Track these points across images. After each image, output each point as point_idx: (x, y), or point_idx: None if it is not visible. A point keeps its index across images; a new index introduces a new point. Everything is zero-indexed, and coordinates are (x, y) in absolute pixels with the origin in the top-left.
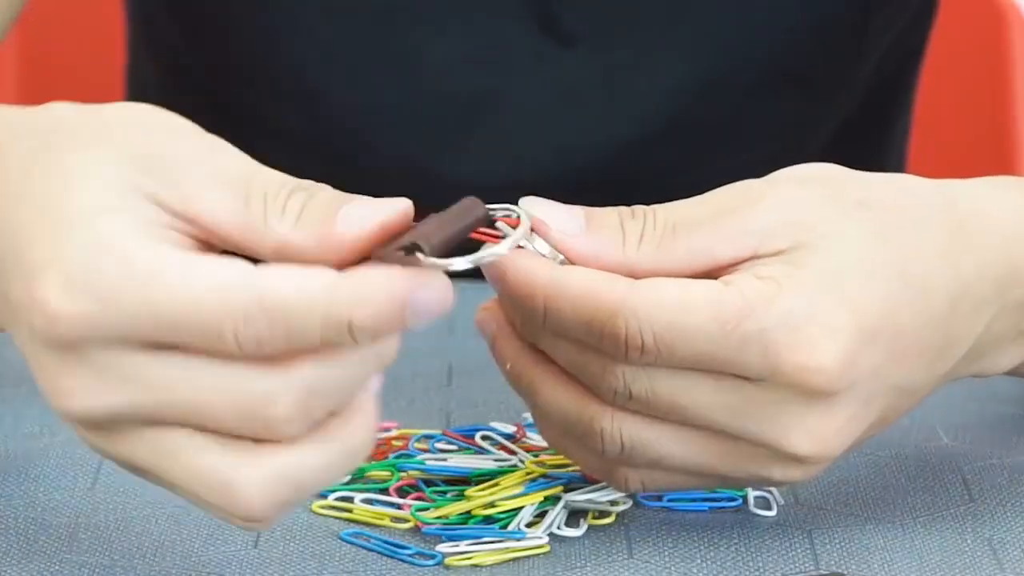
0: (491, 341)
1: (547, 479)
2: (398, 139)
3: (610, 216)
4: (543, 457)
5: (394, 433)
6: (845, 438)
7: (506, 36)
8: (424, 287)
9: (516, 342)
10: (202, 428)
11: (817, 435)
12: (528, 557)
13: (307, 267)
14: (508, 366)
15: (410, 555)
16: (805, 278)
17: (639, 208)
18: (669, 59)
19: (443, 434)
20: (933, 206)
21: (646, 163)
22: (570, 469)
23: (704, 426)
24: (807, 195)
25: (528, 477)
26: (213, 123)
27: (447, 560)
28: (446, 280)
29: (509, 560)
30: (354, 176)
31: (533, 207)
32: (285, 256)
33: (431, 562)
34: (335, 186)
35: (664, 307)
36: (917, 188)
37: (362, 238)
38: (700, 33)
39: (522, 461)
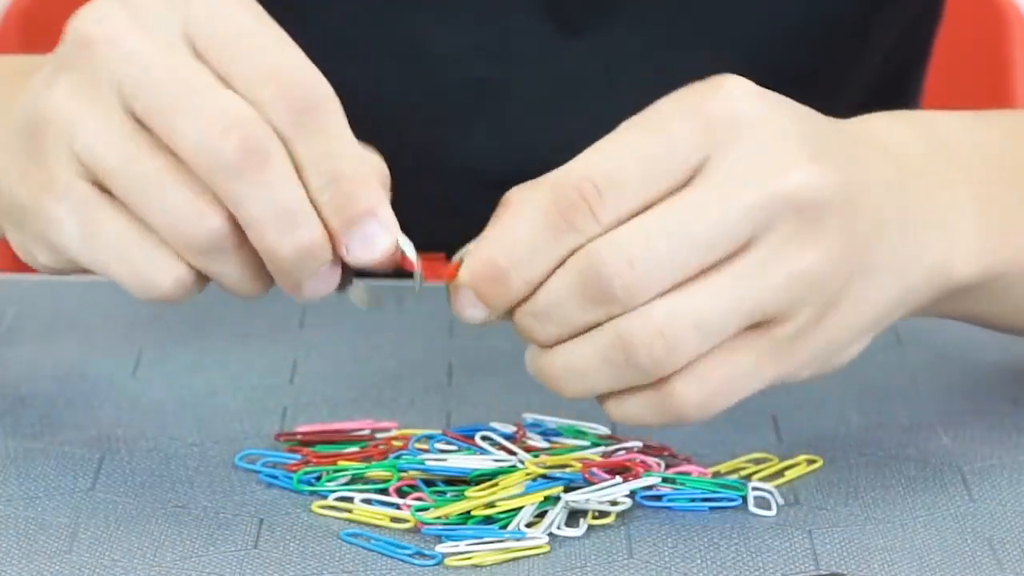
0: (533, 371)
1: (547, 479)
2: (403, 127)
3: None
4: (543, 457)
5: (394, 433)
6: (828, 169)
7: (512, 25)
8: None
9: (541, 351)
10: None
11: (795, 165)
12: (528, 557)
13: None
14: (545, 371)
15: (410, 555)
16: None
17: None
18: (674, 51)
19: (443, 434)
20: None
21: None
22: (570, 469)
23: (712, 250)
24: None
25: (528, 477)
26: None
27: (447, 560)
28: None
29: (509, 560)
30: None
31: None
32: None
33: (431, 562)
34: None
35: (590, 152)
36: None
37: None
38: (705, 26)
39: (522, 461)
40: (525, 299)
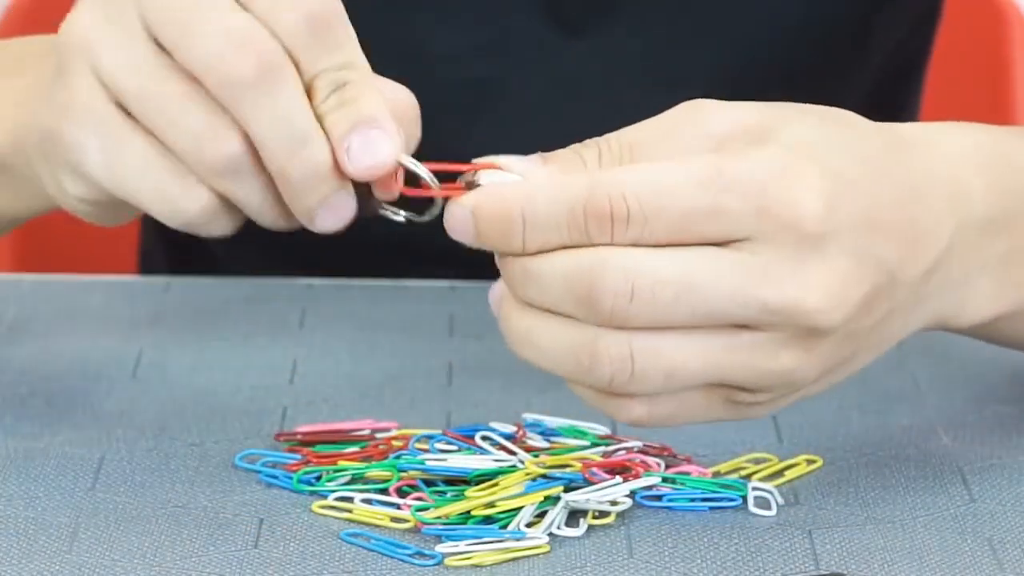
0: (496, 307)
1: (547, 479)
2: None
3: (564, 151)
4: (543, 457)
5: (394, 433)
6: (851, 294)
7: (512, 25)
8: (381, 133)
9: (514, 300)
10: None
11: (823, 286)
12: (528, 557)
13: None
14: (507, 320)
15: (410, 555)
16: (769, 144)
17: (592, 139)
18: (674, 51)
19: (443, 434)
20: (870, 124)
21: None
22: (570, 469)
23: (710, 317)
24: (755, 105)
25: (528, 477)
26: None
27: (447, 560)
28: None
29: (509, 560)
30: None
31: (490, 160)
32: None
33: (431, 562)
34: None
35: (642, 172)
36: (859, 117)
37: None
38: (706, 27)
39: (522, 461)
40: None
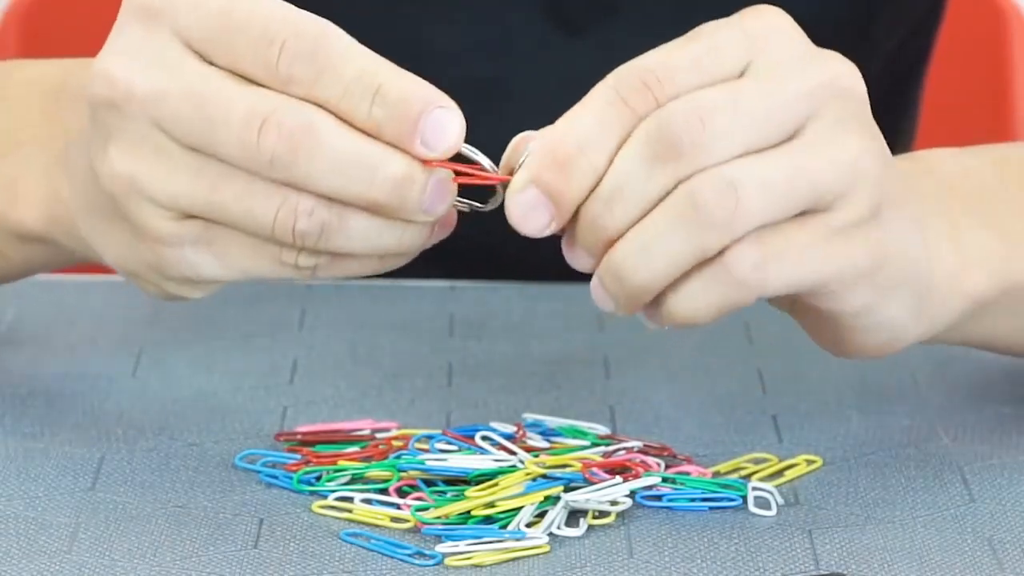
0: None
1: (547, 479)
2: None
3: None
4: (543, 457)
5: (394, 433)
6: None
7: (513, 24)
8: (444, 111)
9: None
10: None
11: (834, 56)
12: (528, 557)
13: None
14: (618, 268)
15: (410, 555)
16: None
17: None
18: None
19: (443, 434)
20: None
21: None
22: (570, 469)
23: (768, 126)
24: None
25: (528, 477)
26: None
27: (447, 560)
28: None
29: (509, 560)
30: None
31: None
32: None
33: (431, 562)
34: None
35: (655, 50)
36: None
37: None
38: None
39: (522, 461)
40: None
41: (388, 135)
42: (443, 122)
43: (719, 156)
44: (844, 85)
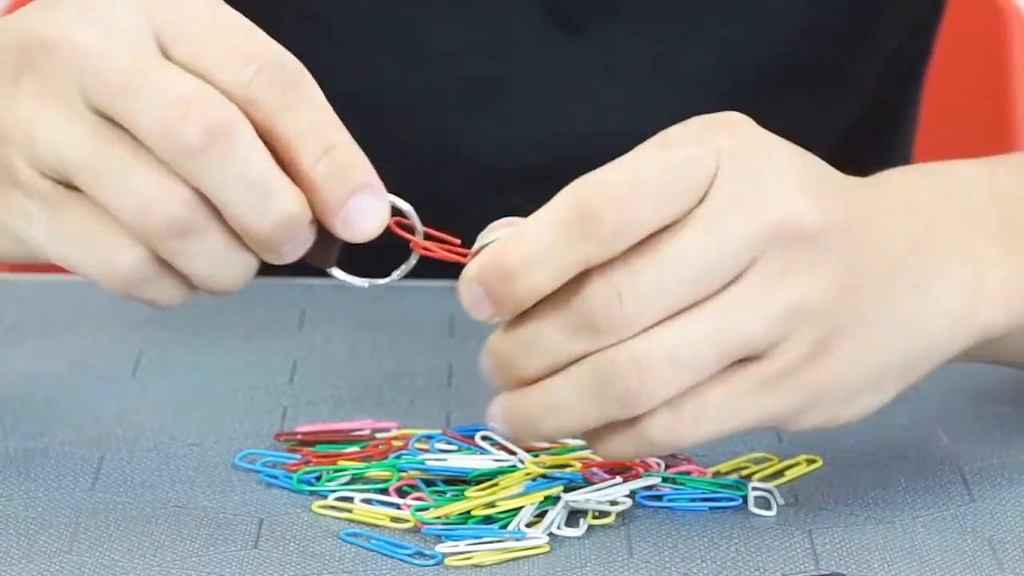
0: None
1: (547, 479)
2: (403, 125)
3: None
4: (543, 457)
5: (394, 433)
6: (825, 186)
7: (513, 23)
8: (377, 199)
9: (520, 397)
10: None
11: (786, 189)
12: (528, 557)
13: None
14: (519, 412)
15: (410, 555)
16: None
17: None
18: (675, 51)
19: (443, 434)
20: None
21: None
22: (570, 469)
23: (694, 284)
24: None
25: (528, 477)
26: None
27: (447, 560)
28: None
29: (509, 560)
30: None
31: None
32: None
33: (431, 562)
34: None
35: (612, 166)
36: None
37: None
38: (707, 26)
39: (522, 461)
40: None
41: (319, 193)
42: (370, 209)
43: (637, 327)
44: (796, 228)
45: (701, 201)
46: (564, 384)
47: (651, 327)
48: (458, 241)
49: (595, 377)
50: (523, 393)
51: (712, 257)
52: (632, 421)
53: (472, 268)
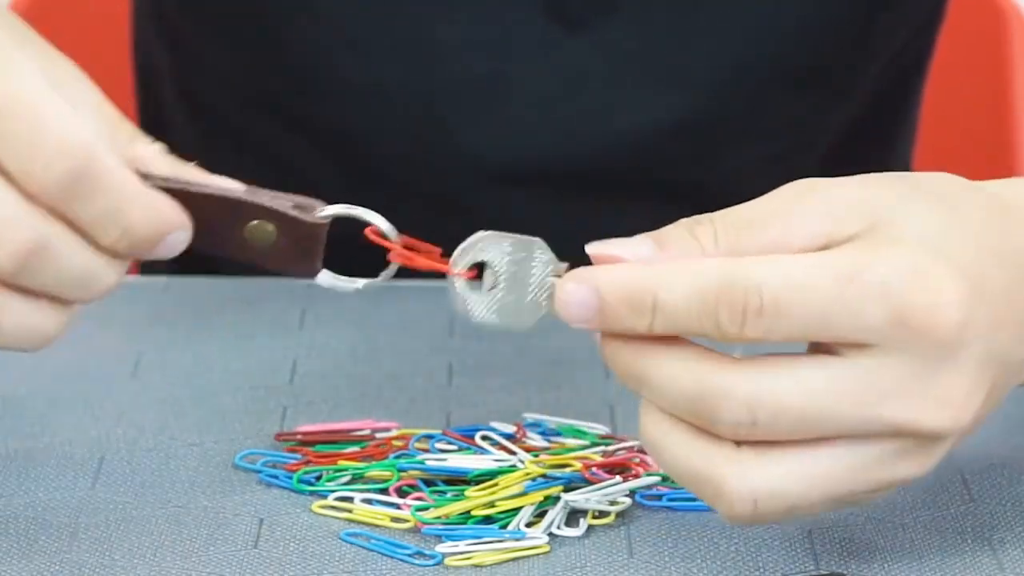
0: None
1: (547, 479)
2: (404, 122)
3: (676, 228)
4: (543, 457)
5: (394, 433)
6: (973, 403)
7: (513, 21)
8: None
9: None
10: None
11: (948, 401)
12: (528, 557)
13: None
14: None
15: (410, 555)
16: (901, 242)
17: (702, 216)
18: (675, 50)
19: (443, 434)
20: (971, 189)
21: (652, 155)
22: (570, 469)
23: (831, 432)
24: (865, 181)
25: (528, 477)
26: (221, 107)
27: (447, 560)
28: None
29: (509, 560)
30: (361, 158)
31: (597, 248)
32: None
33: (431, 562)
34: (341, 168)
35: (778, 265)
36: (954, 179)
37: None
38: (707, 25)
39: (522, 461)
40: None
41: (128, 254)
42: (180, 241)
43: (754, 443)
44: (930, 433)
45: (861, 351)
46: (678, 450)
47: (772, 462)
48: (439, 250)
49: (710, 485)
50: (649, 412)
51: (854, 423)
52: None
53: (593, 275)
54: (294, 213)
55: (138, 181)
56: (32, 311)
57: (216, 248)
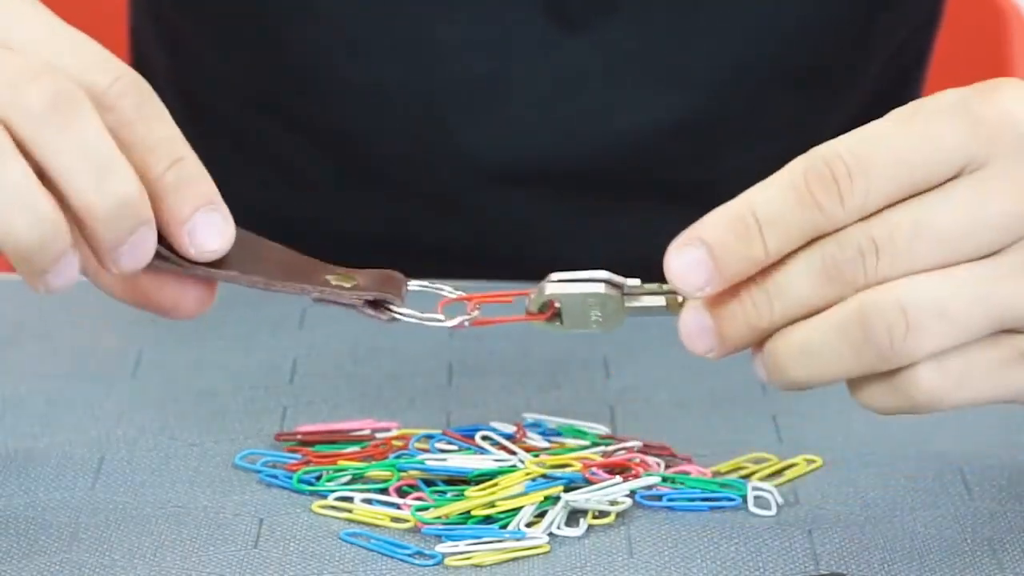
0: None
1: (547, 479)
2: (403, 122)
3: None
4: (543, 457)
5: (394, 433)
6: None
7: (513, 21)
8: (222, 217)
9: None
10: None
11: None
12: (528, 557)
13: None
14: (772, 351)
15: (410, 555)
16: (944, 93)
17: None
18: (675, 50)
19: (443, 434)
20: None
21: (652, 155)
22: (570, 469)
23: (963, 251)
24: None
25: (528, 477)
26: (220, 107)
27: (447, 560)
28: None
29: (509, 560)
30: (361, 158)
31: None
32: None
33: (431, 562)
34: (341, 168)
35: (850, 133)
36: None
37: None
38: (707, 25)
39: (522, 461)
40: (756, 277)
41: (166, 200)
42: (217, 225)
43: (894, 278)
44: None
45: (963, 173)
46: (823, 327)
47: (915, 275)
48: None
49: (857, 324)
50: (780, 335)
51: (971, 230)
52: (895, 373)
53: (696, 228)
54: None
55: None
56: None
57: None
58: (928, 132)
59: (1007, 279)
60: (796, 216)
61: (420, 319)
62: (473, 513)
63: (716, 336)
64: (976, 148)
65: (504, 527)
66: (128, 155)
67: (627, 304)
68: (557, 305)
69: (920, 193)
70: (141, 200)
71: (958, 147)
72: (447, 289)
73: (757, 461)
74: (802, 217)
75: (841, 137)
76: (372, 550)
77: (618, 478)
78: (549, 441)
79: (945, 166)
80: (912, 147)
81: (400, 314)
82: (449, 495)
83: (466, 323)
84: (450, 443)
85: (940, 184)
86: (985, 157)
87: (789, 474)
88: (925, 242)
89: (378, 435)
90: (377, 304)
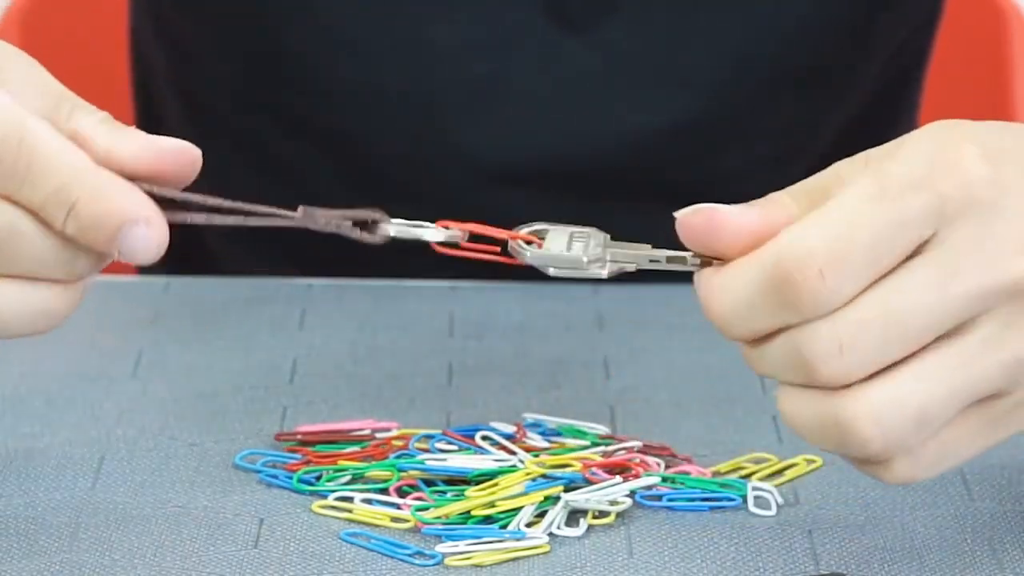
0: None
1: (547, 479)
2: (403, 123)
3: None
4: (543, 457)
5: (394, 433)
6: None
7: (513, 21)
8: (138, 227)
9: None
10: None
11: (1019, 247)
12: (528, 557)
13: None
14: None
15: (410, 555)
16: (902, 144)
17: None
18: (675, 50)
19: (443, 434)
20: None
21: (652, 155)
22: (570, 469)
23: (927, 334)
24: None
25: (528, 477)
26: (219, 107)
27: (447, 560)
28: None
29: (509, 560)
30: (360, 158)
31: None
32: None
33: (431, 562)
34: (340, 168)
35: (817, 224)
36: None
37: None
38: (707, 26)
39: (522, 461)
40: None
41: (85, 245)
42: (140, 238)
43: (858, 377)
44: (1010, 280)
45: (926, 248)
46: (800, 408)
47: (877, 374)
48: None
49: (833, 427)
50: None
51: (938, 309)
52: (870, 463)
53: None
54: (355, 237)
55: (87, 160)
56: (29, 292)
57: None
58: (897, 215)
59: (978, 357)
60: (764, 316)
61: (411, 227)
62: (473, 513)
63: None
64: (939, 222)
65: (504, 527)
66: (37, 212)
67: (611, 249)
68: (542, 238)
69: (885, 276)
70: (100, 261)
71: (924, 223)
72: (429, 227)
73: (757, 461)
74: (771, 315)
75: (811, 232)
76: (372, 550)
77: (618, 478)
78: (549, 441)
79: (912, 244)
80: (883, 236)
81: (391, 227)
82: (449, 495)
83: (458, 239)
84: (450, 443)
85: (904, 261)
86: (949, 226)
87: (789, 474)
88: (894, 332)
89: (378, 435)
90: (364, 226)
